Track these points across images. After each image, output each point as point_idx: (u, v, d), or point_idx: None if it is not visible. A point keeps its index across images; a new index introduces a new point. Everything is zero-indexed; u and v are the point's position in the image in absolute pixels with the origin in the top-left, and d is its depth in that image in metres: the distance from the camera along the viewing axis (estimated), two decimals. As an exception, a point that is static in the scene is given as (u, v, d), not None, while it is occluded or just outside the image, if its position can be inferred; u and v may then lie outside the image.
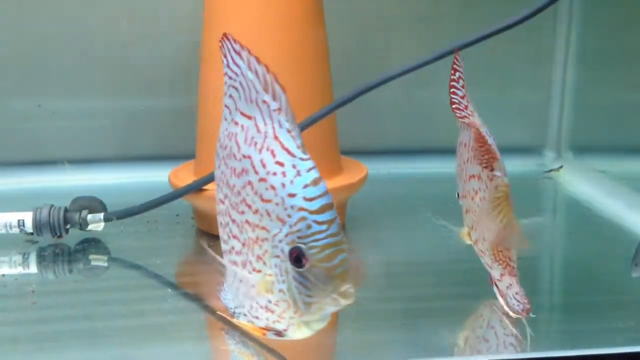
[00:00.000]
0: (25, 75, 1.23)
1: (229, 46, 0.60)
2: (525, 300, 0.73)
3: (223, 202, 0.62)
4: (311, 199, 0.55)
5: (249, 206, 0.59)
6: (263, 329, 0.62)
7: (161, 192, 1.00)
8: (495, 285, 0.78)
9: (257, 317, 0.62)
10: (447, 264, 0.94)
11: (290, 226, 0.56)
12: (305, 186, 0.56)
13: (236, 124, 0.61)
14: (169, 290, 0.89)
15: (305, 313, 0.57)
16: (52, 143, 1.24)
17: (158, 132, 1.27)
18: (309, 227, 0.55)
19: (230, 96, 0.62)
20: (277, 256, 0.57)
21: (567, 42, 1.39)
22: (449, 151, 1.22)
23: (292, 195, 0.56)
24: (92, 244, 0.98)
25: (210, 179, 0.93)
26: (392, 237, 1.04)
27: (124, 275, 0.94)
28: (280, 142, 0.57)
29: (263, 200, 0.57)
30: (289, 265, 0.56)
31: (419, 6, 1.33)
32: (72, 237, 0.98)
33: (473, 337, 0.79)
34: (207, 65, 1.01)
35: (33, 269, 0.92)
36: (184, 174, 1.03)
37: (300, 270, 0.56)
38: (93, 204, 0.97)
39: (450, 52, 0.86)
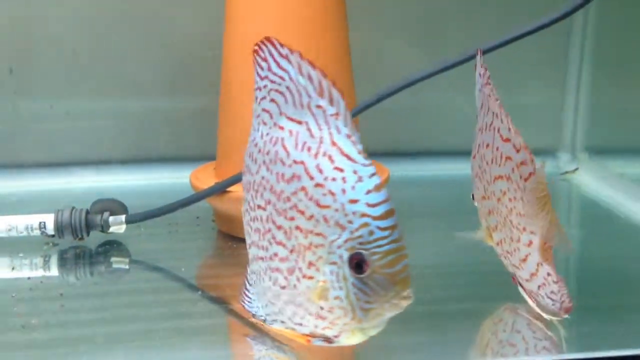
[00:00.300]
0: (36, 75, 1.21)
1: (271, 50, 0.60)
2: (566, 299, 0.73)
3: (264, 208, 0.62)
4: (374, 205, 0.55)
5: (302, 212, 0.58)
6: (307, 335, 0.62)
7: (180, 193, 0.99)
8: (521, 285, 0.77)
9: (300, 324, 0.61)
10: (463, 267, 0.93)
11: (351, 232, 0.56)
12: (368, 192, 0.56)
13: (281, 128, 0.61)
14: (193, 293, 0.88)
15: (362, 319, 0.57)
16: (67, 144, 1.23)
17: (176, 132, 1.26)
18: (371, 233, 0.55)
19: (273, 100, 0.61)
20: (334, 262, 0.57)
21: (582, 43, 1.38)
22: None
23: (353, 201, 0.56)
24: (113, 246, 0.97)
25: (234, 180, 0.92)
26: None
27: (146, 278, 0.92)
28: (339, 148, 0.57)
29: (320, 206, 0.57)
30: (347, 271, 0.56)
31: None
32: (93, 239, 0.97)
33: (496, 341, 0.78)
34: (229, 66, 1.00)
35: (56, 271, 0.91)
36: (205, 176, 1.02)
37: (361, 276, 0.56)
38: (114, 206, 0.96)
39: (473, 56, 0.85)
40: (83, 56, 1.22)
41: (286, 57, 0.59)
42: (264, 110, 0.62)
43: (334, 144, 0.58)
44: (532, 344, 0.75)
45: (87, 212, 0.94)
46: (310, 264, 0.58)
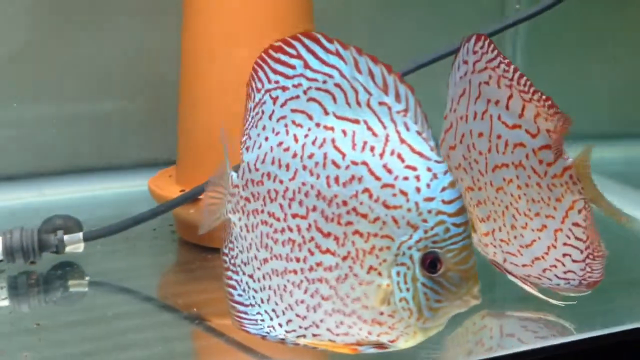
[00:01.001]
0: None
1: (311, 46, 0.57)
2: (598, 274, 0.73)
3: (304, 217, 0.58)
4: (450, 202, 0.55)
5: (365, 215, 0.55)
6: (354, 344, 0.59)
7: (136, 202, 0.92)
8: (509, 272, 0.78)
9: (346, 334, 0.59)
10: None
11: (425, 231, 0.55)
12: (443, 189, 0.55)
13: (330, 129, 0.57)
14: (166, 314, 0.80)
15: (429, 319, 0.56)
16: (6, 156, 1.10)
17: (127, 138, 1.16)
18: (447, 230, 0.55)
19: (313, 100, 0.58)
20: (402, 264, 0.55)
21: (515, 33, 1.41)
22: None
23: (429, 199, 0.55)
24: (68, 268, 0.87)
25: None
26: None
27: (110, 302, 0.83)
28: (409, 145, 0.55)
29: (388, 207, 0.55)
30: (417, 272, 0.55)
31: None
32: (45, 261, 0.86)
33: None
34: (188, 69, 0.92)
35: (6, 301, 0.80)
36: (166, 183, 0.94)
37: (433, 275, 0.55)
38: (68, 223, 0.85)
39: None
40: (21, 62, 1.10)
41: (336, 53, 0.57)
42: (295, 111, 0.59)
43: (403, 141, 0.55)
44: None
45: (39, 232, 0.84)
46: (371, 268, 0.56)
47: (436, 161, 0.55)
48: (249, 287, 0.64)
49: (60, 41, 1.12)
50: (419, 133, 0.56)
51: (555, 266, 0.74)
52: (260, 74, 0.60)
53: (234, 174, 0.63)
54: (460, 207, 0.55)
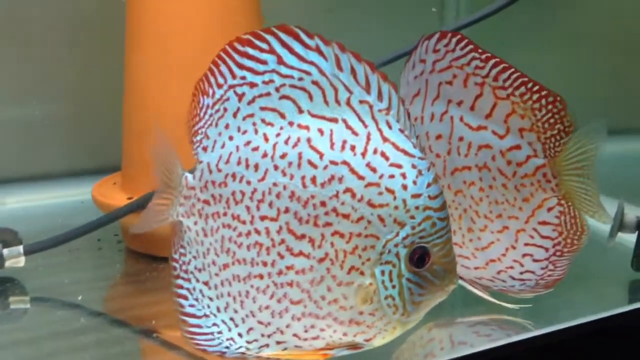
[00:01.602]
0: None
1: (287, 41, 0.55)
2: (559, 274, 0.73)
3: (274, 219, 0.55)
4: (435, 197, 0.55)
5: (347, 215, 0.54)
6: (324, 349, 0.58)
7: (76, 211, 0.88)
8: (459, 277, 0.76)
9: (316, 338, 0.58)
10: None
11: (413, 227, 0.55)
12: (429, 185, 0.55)
13: (305, 128, 0.55)
14: (116, 330, 0.76)
15: (412, 313, 0.57)
16: None
17: (66, 144, 1.10)
18: (433, 225, 0.55)
19: (286, 97, 0.56)
20: (387, 262, 0.55)
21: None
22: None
23: (416, 196, 0.54)
24: (7, 284, 0.81)
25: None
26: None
27: (53, 319, 0.77)
28: (392, 144, 0.54)
29: (373, 205, 0.54)
30: (403, 268, 0.55)
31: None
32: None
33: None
34: (133, 70, 0.89)
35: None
36: (111, 191, 0.90)
37: (418, 270, 0.55)
38: (7, 236, 0.80)
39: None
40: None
41: (316, 49, 0.54)
42: (265, 109, 0.56)
43: (386, 139, 0.55)
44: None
45: (-25, 247, 0.78)
46: (353, 268, 0.55)
47: (420, 158, 0.55)
48: (203, 296, 0.61)
49: None
50: (401, 131, 0.55)
51: (512, 267, 0.74)
52: (223, 68, 0.57)
53: (189, 176, 0.60)
54: (443, 201, 0.55)
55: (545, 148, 0.70)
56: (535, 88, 0.69)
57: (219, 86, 0.58)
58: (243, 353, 0.60)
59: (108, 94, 0.98)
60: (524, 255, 0.73)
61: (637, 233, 0.85)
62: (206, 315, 0.60)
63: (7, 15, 1.07)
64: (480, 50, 0.69)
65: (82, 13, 1.10)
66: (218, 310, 0.60)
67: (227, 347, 0.60)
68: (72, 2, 1.10)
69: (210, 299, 0.60)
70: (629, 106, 1.40)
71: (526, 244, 0.72)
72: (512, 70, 0.69)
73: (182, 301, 0.61)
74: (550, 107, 0.69)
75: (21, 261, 0.80)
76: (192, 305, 0.61)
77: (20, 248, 0.80)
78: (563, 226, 0.71)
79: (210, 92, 0.58)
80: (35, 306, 0.80)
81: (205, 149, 0.59)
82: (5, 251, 0.80)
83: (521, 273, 0.74)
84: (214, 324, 0.60)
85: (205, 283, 0.60)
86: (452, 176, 0.73)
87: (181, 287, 0.61)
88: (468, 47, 0.69)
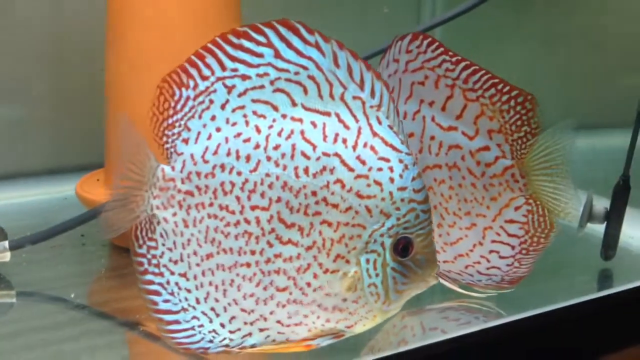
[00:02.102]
0: None
1: (286, 35, 0.56)
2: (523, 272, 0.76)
3: (266, 209, 0.57)
4: (419, 191, 0.58)
5: (336, 205, 0.56)
6: (307, 339, 0.60)
7: (59, 208, 0.90)
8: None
9: (298, 324, 0.59)
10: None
11: (398, 218, 0.57)
12: (414, 179, 0.58)
13: (298, 120, 0.57)
14: (99, 323, 0.77)
15: (394, 301, 0.59)
16: None
17: (48, 141, 1.11)
18: (417, 217, 0.58)
19: (280, 90, 0.57)
20: (373, 251, 0.57)
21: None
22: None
23: (402, 189, 0.57)
24: (-2, 277, 0.83)
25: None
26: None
27: (40, 313, 0.79)
28: (381, 138, 0.57)
29: (362, 196, 0.56)
30: (388, 257, 0.57)
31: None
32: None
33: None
34: (116, 65, 0.90)
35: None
36: (94, 187, 0.92)
37: (403, 259, 0.58)
38: (-8, 231, 0.81)
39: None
40: None
41: (315, 45, 0.56)
42: (257, 101, 0.58)
43: (375, 134, 0.57)
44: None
45: (-40, 242, 0.79)
46: (339, 256, 0.57)
47: (406, 153, 0.58)
48: (179, 288, 0.60)
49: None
50: (390, 127, 0.58)
51: (479, 262, 0.77)
52: (210, 60, 0.57)
53: (167, 168, 0.59)
54: (426, 195, 0.58)
55: (513, 149, 0.72)
56: (505, 89, 0.71)
57: (204, 78, 0.58)
58: (227, 346, 0.60)
59: (91, 91, 0.99)
60: (491, 251, 0.75)
61: (605, 224, 0.88)
62: (184, 309, 0.60)
63: None
64: (450, 53, 0.72)
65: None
66: (197, 301, 0.60)
67: (210, 341, 0.60)
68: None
69: (189, 290, 0.60)
70: (604, 103, 1.44)
71: (493, 241, 0.75)
72: (483, 72, 0.71)
73: (155, 297, 0.60)
74: (519, 108, 0.71)
75: (7, 256, 0.81)
76: (166, 301, 0.60)
77: (6, 243, 0.81)
78: (530, 225, 0.74)
79: (192, 84, 0.58)
80: (21, 300, 0.82)
81: (186, 141, 0.59)
82: (-9, 246, 0.81)
83: (487, 269, 0.76)
84: (194, 317, 0.60)
85: (183, 275, 0.60)
86: (424, 173, 0.75)
87: (151, 282, 0.60)
88: (439, 49, 0.72)
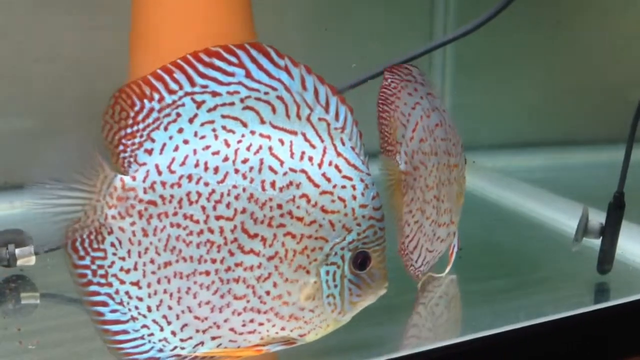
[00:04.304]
0: None
1: (258, 58, 0.59)
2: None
3: (230, 219, 0.58)
4: (378, 209, 0.62)
5: (300, 218, 0.59)
6: (258, 345, 0.62)
7: None
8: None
9: (252, 332, 0.61)
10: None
11: (358, 234, 0.61)
12: (374, 197, 0.61)
13: (265, 137, 0.59)
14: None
15: (348, 312, 0.62)
16: None
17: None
18: (375, 233, 0.61)
19: (249, 108, 0.59)
20: (333, 263, 0.61)
21: (444, 49, 1.49)
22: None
23: (363, 206, 0.61)
24: (19, 281, 0.88)
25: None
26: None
27: (63, 312, 0.84)
28: (345, 159, 0.60)
29: (326, 211, 0.60)
30: (346, 269, 0.61)
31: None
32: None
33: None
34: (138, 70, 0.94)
35: None
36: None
37: (360, 272, 0.61)
38: (18, 236, 0.87)
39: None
40: None
41: (285, 69, 0.59)
42: (227, 117, 0.59)
43: (339, 154, 0.60)
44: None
45: (-11, 246, 0.85)
46: (300, 267, 0.60)
47: (367, 173, 0.61)
48: (130, 297, 0.59)
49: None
50: (353, 148, 0.61)
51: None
52: (178, 75, 0.58)
53: (126, 178, 0.59)
54: (383, 213, 0.62)
55: None
56: None
57: (171, 92, 0.59)
58: (178, 355, 0.61)
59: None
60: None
61: (601, 239, 0.91)
62: (133, 318, 0.60)
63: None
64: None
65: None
66: (149, 309, 0.60)
67: (159, 350, 0.61)
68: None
69: (140, 299, 0.60)
70: (601, 118, 1.47)
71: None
72: None
73: (101, 308, 0.59)
74: None
75: (32, 260, 0.87)
76: (114, 311, 0.59)
77: (31, 248, 0.87)
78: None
79: (156, 96, 0.59)
80: (45, 301, 0.87)
81: (149, 151, 0.59)
82: (17, 251, 0.86)
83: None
84: (144, 326, 0.60)
85: (135, 283, 0.59)
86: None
87: (97, 293, 0.59)
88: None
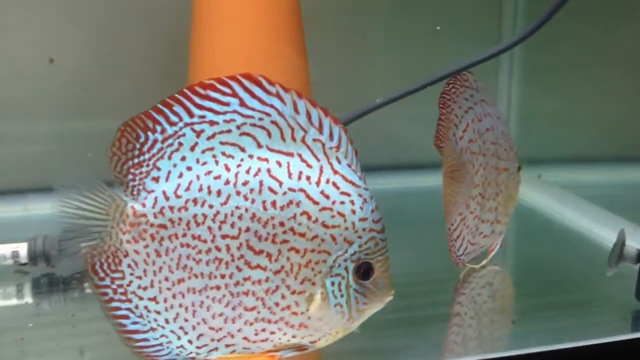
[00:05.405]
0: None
1: (250, 87, 0.62)
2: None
3: (235, 237, 0.63)
4: (378, 221, 0.65)
5: (303, 234, 0.63)
6: (271, 350, 0.67)
7: None
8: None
9: (265, 340, 0.66)
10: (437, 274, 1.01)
11: (360, 245, 0.64)
12: (372, 211, 0.65)
13: (262, 160, 0.63)
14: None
15: (356, 319, 0.66)
16: (23, 170, 1.21)
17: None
18: (376, 244, 0.65)
19: (246, 134, 0.63)
20: (337, 274, 0.64)
21: (511, 54, 1.47)
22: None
23: (363, 220, 0.64)
24: (83, 272, 0.97)
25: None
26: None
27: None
28: (342, 176, 0.64)
29: (327, 226, 0.63)
30: (351, 279, 0.65)
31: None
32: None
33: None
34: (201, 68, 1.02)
35: (30, 299, 0.91)
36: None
37: (364, 282, 0.65)
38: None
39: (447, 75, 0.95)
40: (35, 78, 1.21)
41: (276, 95, 0.63)
42: (225, 143, 0.63)
43: (336, 172, 0.64)
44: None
45: (60, 240, 0.94)
46: (305, 279, 0.64)
47: (364, 188, 0.65)
48: (148, 311, 0.65)
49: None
50: (349, 165, 0.64)
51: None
52: (177, 108, 0.63)
53: (137, 205, 0.64)
54: (383, 224, 0.65)
55: None
56: None
57: (172, 124, 0.64)
58: (193, 359, 0.67)
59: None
60: None
61: (639, 265, 0.90)
62: (153, 329, 0.66)
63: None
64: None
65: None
66: (167, 321, 0.65)
67: (177, 355, 0.66)
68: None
69: (158, 312, 0.65)
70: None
71: None
72: None
73: (123, 321, 0.65)
74: None
75: (95, 253, 0.97)
76: (135, 323, 0.65)
77: (96, 242, 0.97)
78: None
79: (159, 129, 0.64)
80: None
81: (156, 179, 0.64)
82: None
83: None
84: (162, 335, 0.66)
85: (152, 299, 0.65)
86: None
87: (118, 308, 0.65)
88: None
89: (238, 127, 0.63)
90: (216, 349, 0.66)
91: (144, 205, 0.64)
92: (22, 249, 0.94)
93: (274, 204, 0.63)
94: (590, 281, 1.01)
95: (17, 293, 0.92)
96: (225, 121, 0.63)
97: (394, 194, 1.34)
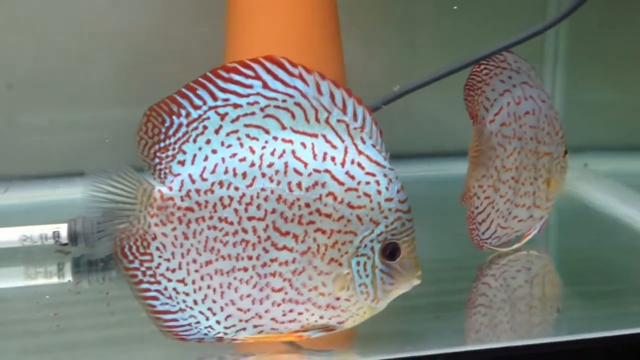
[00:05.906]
0: (35, 89, 1.23)
1: (273, 69, 0.63)
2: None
3: (261, 219, 0.63)
4: (404, 201, 0.65)
5: (329, 215, 0.64)
6: (299, 331, 0.67)
7: None
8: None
9: (292, 321, 0.66)
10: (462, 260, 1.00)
11: (386, 226, 0.64)
12: (399, 191, 0.65)
13: (287, 141, 0.64)
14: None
15: (382, 300, 0.66)
16: (64, 156, 1.24)
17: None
18: (403, 224, 0.65)
19: (270, 116, 0.64)
20: (363, 254, 0.64)
21: (556, 42, 1.45)
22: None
23: (389, 200, 0.64)
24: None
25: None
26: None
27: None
28: (367, 156, 0.64)
29: (353, 207, 0.64)
30: (377, 260, 0.65)
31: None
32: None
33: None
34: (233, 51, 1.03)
35: (70, 277, 0.94)
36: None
37: (391, 262, 0.65)
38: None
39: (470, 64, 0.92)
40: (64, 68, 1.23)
41: (299, 77, 0.63)
42: (249, 126, 0.64)
43: (360, 152, 0.64)
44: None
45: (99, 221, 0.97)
46: (332, 260, 0.64)
47: (389, 168, 0.65)
48: (177, 292, 0.66)
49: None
50: (373, 146, 0.64)
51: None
52: (201, 92, 0.64)
53: (164, 188, 0.65)
54: (409, 205, 0.65)
55: None
56: None
57: (196, 107, 0.64)
58: (220, 337, 0.67)
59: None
60: None
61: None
62: (181, 310, 0.66)
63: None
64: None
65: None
66: (195, 303, 0.66)
67: (205, 334, 0.67)
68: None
69: (186, 294, 0.66)
70: None
71: None
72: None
73: (153, 302, 0.66)
74: None
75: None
76: (164, 304, 0.66)
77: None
78: None
79: (184, 112, 0.64)
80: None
81: (182, 162, 0.65)
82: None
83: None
84: (191, 316, 0.67)
85: (181, 280, 0.65)
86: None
87: (148, 290, 0.66)
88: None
89: (262, 110, 0.64)
90: (244, 329, 0.67)
91: (170, 189, 0.65)
92: (63, 229, 0.97)
93: (299, 185, 0.64)
94: (633, 271, 0.98)
95: (57, 272, 0.96)
96: (248, 104, 0.64)
97: (418, 181, 1.32)
